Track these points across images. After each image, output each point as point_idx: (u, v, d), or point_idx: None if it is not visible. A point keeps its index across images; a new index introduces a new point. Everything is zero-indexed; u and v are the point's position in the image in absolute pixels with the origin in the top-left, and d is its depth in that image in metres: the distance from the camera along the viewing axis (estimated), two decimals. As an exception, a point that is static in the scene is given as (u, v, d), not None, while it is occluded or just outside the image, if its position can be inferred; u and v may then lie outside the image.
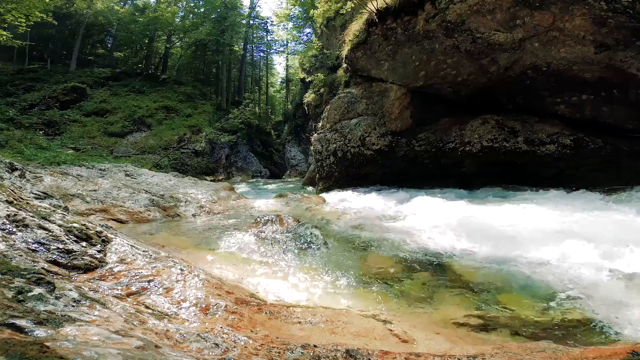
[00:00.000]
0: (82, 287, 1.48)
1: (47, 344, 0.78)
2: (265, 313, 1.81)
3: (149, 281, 1.78)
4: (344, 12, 10.52)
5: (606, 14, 5.00)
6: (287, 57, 34.26)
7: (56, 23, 18.69)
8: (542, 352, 1.52)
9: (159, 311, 1.55)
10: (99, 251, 1.92)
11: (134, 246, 2.20)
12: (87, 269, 1.73)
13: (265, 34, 36.72)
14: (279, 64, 47.94)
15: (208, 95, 26.85)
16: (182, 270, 2.01)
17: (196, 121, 20.11)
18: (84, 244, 1.90)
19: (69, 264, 1.67)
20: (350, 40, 8.88)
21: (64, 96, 18.22)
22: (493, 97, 7.47)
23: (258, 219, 4.44)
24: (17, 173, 4.76)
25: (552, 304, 2.36)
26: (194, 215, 5.53)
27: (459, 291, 2.65)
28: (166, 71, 27.30)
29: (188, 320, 1.55)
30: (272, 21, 34.77)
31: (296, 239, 3.87)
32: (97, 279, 1.67)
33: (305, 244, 3.74)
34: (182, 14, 27.71)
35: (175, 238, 3.98)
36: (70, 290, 1.33)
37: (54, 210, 2.14)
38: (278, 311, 1.86)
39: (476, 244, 3.57)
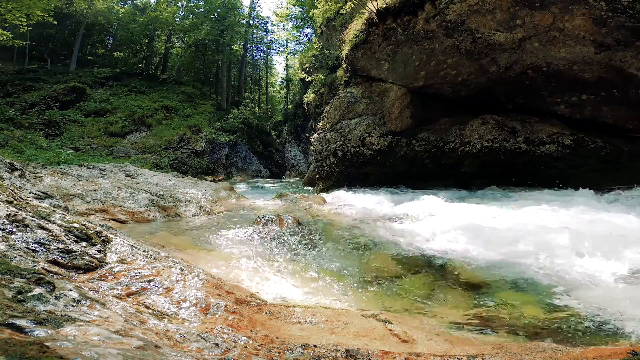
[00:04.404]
0: (82, 287, 1.48)
1: (47, 344, 0.78)
2: (265, 313, 1.81)
3: (149, 281, 1.78)
4: (344, 12, 10.52)
5: (606, 14, 5.00)
6: (287, 57, 34.29)
7: (56, 23, 18.71)
8: (542, 352, 1.52)
9: (159, 311, 1.55)
10: (99, 251, 1.92)
11: (134, 246, 2.20)
12: (87, 269, 1.73)
13: (265, 34, 36.78)
14: (279, 64, 48.03)
15: (208, 95, 26.87)
16: (182, 270, 2.01)
17: (196, 121, 20.11)
18: (84, 244, 1.90)
19: (69, 264, 1.67)
20: (350, 40, 8.88)
21: (64, 96, 18.23)
22: (493, 97, 7.48)
23: (258, 219, 4.44)
24: (17, 173, 4.76)
25: (551, 303, 2.36)
26: (194, 215, 5.53)
27: (459, 291, 2.66)
28: (166, 71, 27.31)
29: (188, 320, 1.55)
30: (272, 21, 34.87)
31: (296, 239, 3.87)
32: (97, 279, 1.67)
33: (305, 244, 3.74)
34: (182, 13, 27.74)
35: (175, 238, 3.98)
36: (70, 290, 1.33)
37: (54, 210, 2.14)
38: (278, 311, 1.86)
39: (476, 244, 3.57)
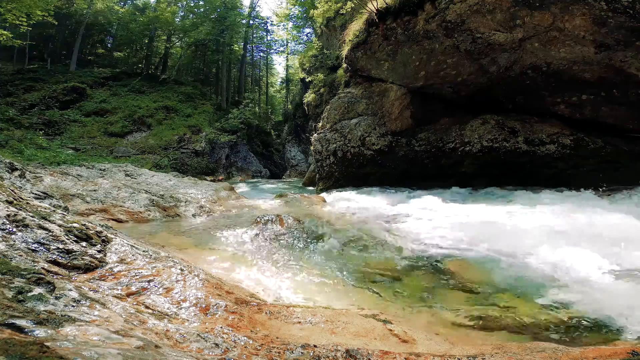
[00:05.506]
0: (82, 287, 1.48)
1: (47, 344, 0.78)
2: (265, 313, 1.81)
3: (149, 281, 1.78)
4: (344, 12, 10.53)
5: (606, 14, 5.00)
6: (287, 57, 34.33)
7: (56, 23, 18.71)
8: (542, 352, 1.52)
9: (159, 311, 1.55)
10: (99, 251, 1.92)
11: (134, 246, 2.20)
12: (87, 269, 1.73)
13: (265, 34, 36.79)
14: (279, 64, 48.12)
15: (208, 95, 26.87)
16: (182, 270, 2.01)
17: (196, 121, 20.12)
18: (84, 244, 1.90)
19: (69, 264, 1.67)
20: (350, 40, 8.88)
21: (64, 96, 18.22)
22: (493, 97, 7.47)
23: (258, 219, 4.44)
24: (17, 173, 4.76)
25: (551, 303, 2.36)
26: (194, 215, 5.53)
27: (459, 291, 2.66)
28: (166, 71, 27.31)
29: (188, 320, 1.55)
30: (272, 21, 34.93)
31: (296, 239, 3.87)
32: (97, 279, 1.67)
33: (305, 244, 3.74)
34: (182, 13, 27.74)
35: (175, 238, 3.98)
36: (70, 290, 1.33)
37: (54, 210, 2.14)
38: (278, 311, 1.86)
39: (476, 244, 3.57)
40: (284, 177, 22.65)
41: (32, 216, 1.85)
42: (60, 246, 1.74)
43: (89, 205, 4.95)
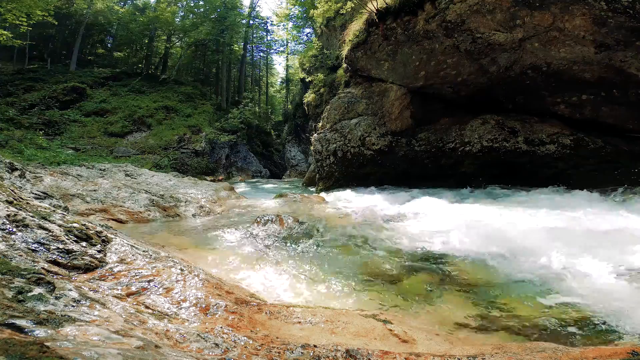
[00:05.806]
0: (82, 287, 1.48)
1: (47, 344, 0.78)
2: (265, 313, 1.81)
3: (149, 281, 1.78)
4: (344, 12, 10.52)
5: (606, 14, 5.00)
6: (287, 57, 34.34)
7: (56, 23, 18.71)
8: (542, 352, 1.52)
9: (159, 311, 1.55)
10: (99, 251, 1.92)
11: (134, 246, 2.20)
12: (87, 269, 1.73)
13: (265, 34, 36.81)
14: (279, 64, 48.13)
15: (208, 95, 26.87)
16: (182, 270, 2.01)
17: (196, 121, 20.12)
18: (84, 244, 1.90)
19: (69, 264, 1.67)
20: (350, 40, 8.88)
21: (64, 96, 18.22)
22: (493, 97, 7.47)
23: (258, 219, 4.44)
24: (17, 173, 4.76)
25: (551, 304, 2.36)
26: (194, 215, 5.53)
27: (459, 291, 2.65)
28: (166, 71, 27.31)
29: (188, 320, 1.55)
30: (272, 21, 34.97)
31: (296, 239, 3.87)
32: (97, 279, 1.67)
33: (305, 244, 3.74)
34: (182, 13, 27.74)
35: (175, 238, 3.98)
36: (70, 290, 1.33)
37: (54, 210, 2.14)
38: (278, 311, 1.86)
39: (475, 245, 3.57)
40: (284, 177, 22.65)
41: (32, 216, 1.85)
42: (60, 246, 1.74)
43: (89, 205, 4.96)
